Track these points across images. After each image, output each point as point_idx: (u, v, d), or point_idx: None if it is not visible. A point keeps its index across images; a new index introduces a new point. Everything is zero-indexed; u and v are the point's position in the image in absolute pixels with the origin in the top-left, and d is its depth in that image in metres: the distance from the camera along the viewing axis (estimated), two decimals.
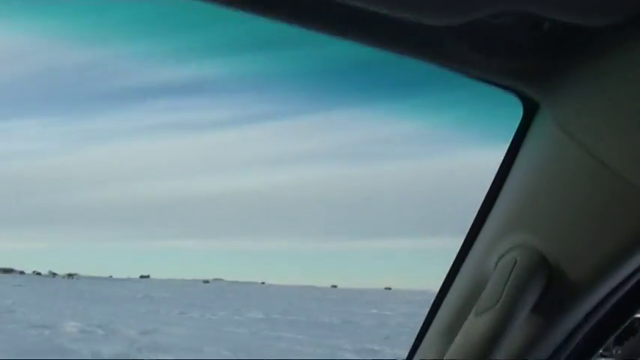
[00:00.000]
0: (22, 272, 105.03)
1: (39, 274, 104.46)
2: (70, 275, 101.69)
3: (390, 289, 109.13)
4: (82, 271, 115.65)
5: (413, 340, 1.12)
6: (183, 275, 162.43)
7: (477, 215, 1.01)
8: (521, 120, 0.93)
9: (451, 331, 0.98)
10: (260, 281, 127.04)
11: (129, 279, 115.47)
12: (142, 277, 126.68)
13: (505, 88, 0.89)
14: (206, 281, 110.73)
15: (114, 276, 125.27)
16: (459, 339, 0.89)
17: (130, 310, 27.31)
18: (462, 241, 1.04)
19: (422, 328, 1.11)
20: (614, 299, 0.95)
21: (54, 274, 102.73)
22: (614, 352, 8.40)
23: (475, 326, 0.87)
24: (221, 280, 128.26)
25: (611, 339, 1.09)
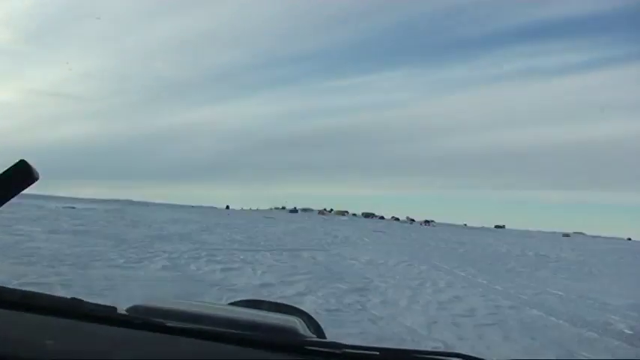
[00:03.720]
0: (381, 217, 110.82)
1: (397, 219, 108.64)
2: (427, 222, 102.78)
3: None
4: (437, 218, 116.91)
5: None
6: (539, 227, 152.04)
7: None
8: None
9: None
10: (626, 237, 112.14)
11: (483, 228, 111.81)
12: (496, 226, 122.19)
13: None
14: (566, 234, 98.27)
15: (468, 224, 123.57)
16: None
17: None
18: None
19: None
20: None
21: (412, 220, 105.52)
22: None
23: None
24: (582, 233, 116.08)
25: None
